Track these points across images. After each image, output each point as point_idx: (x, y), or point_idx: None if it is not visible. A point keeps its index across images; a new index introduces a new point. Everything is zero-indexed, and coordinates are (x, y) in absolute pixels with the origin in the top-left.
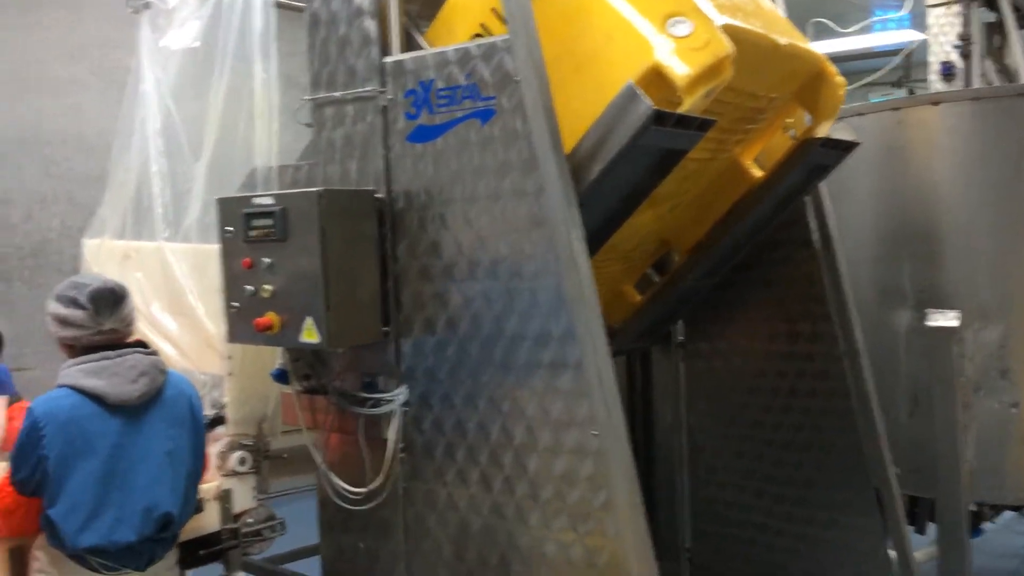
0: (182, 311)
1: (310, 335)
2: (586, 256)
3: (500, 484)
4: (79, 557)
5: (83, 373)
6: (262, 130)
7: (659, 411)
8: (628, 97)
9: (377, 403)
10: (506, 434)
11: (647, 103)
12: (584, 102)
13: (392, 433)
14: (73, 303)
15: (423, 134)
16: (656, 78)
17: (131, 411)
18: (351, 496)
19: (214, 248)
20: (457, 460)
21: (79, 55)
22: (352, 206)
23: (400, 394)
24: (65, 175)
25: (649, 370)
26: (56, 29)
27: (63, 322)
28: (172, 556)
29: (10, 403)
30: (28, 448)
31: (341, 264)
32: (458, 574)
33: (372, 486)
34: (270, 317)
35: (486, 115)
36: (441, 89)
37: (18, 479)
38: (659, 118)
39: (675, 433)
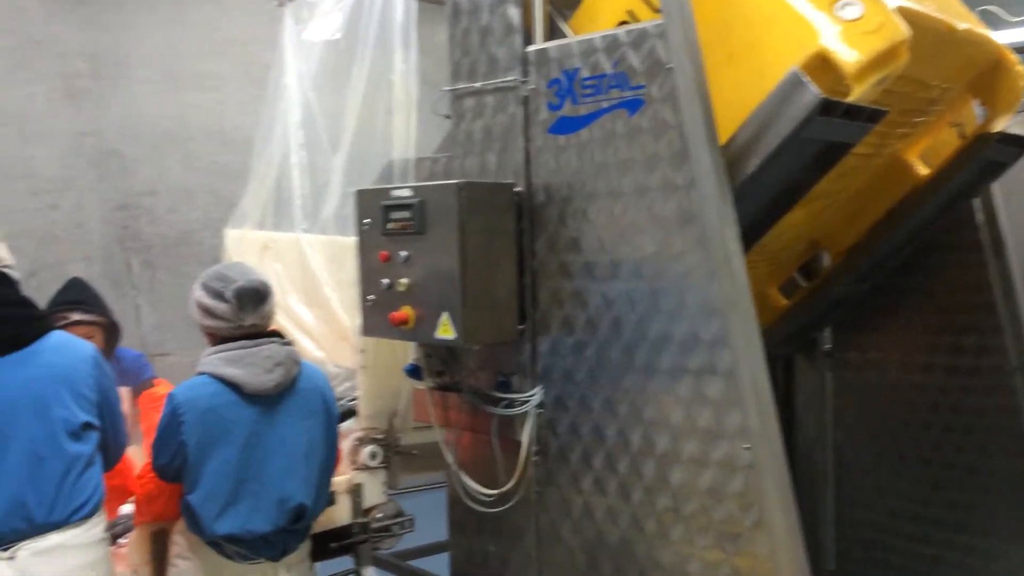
0: (318, 303)
1: (446, 331)
2: (741, 256)
3: (640, 495)
4: (216, 544)
5: (223, 361)
6: (400, 122)
7: (802, 423)
8: (792, 85)
9: (511, 403)
10: (648, 442)
11: (814, 91)
12: (738, 92)
13: (526, 435)
14: (218, 296)
15: (566, 125)
16: (821, 65)
17: (266, 401)
18: (482, 498)
19: (350, 240)
20: (594, 467)
21: (222, 51)
22: (491, 199)
23: (535, 395)
24: (207, 169)
25: (792, 379)
26: (202, 25)
27: (207, 311)
28: (305, 548)
29: (143, 388)
30: (169, 434)
31: (479, 259)
32: None
33: (504, 489)
34: (406, 311)
35: (634, 105)
36: (586, 78)
37: (159, 465)
38: (826, 107)
39: (819, 448)
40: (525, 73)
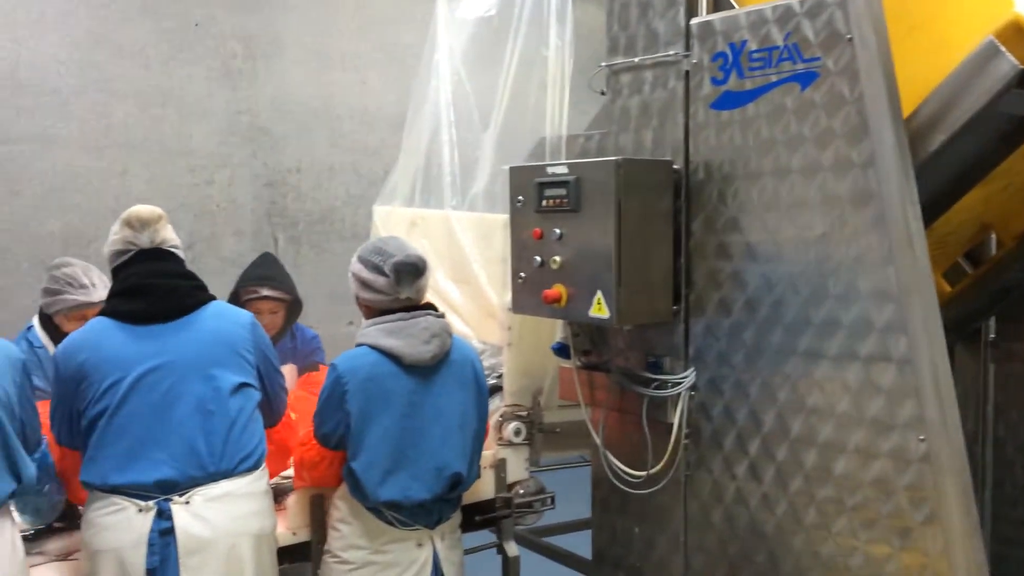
0: (465, 279)
1: (599, 310)
2: (923, 237)
3: (799, 483)
4: (376, 510)
5: (382, 333)
6: (553, 98)
7: (960, 417)
8: (986, 55)
9: (662, 385)
10: (809, 430)
11: (1012, 62)
12: (918, 66)
13: (677, 417)
14: (377, 270)
15: (730, 100)
16: (1016, 35)
17: (423, 372)
18: (630, 479)
19: (499, 218)
20: (749, 453)
21: (366, 31)
22: (649, 177)
23: (688, 377)
24: (350, 147)
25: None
26: (347, 6)
27: (364, 285)
28: (457, 517)
29: (309, 369)
30: (332, 403)
31: (635, 238)
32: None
33: (652, 470)
34: (558, 289)
35: (807, 78)
36: (755, 51)
37: (322, 433)
38: None
39: (978, 443)
40: (687, 47)
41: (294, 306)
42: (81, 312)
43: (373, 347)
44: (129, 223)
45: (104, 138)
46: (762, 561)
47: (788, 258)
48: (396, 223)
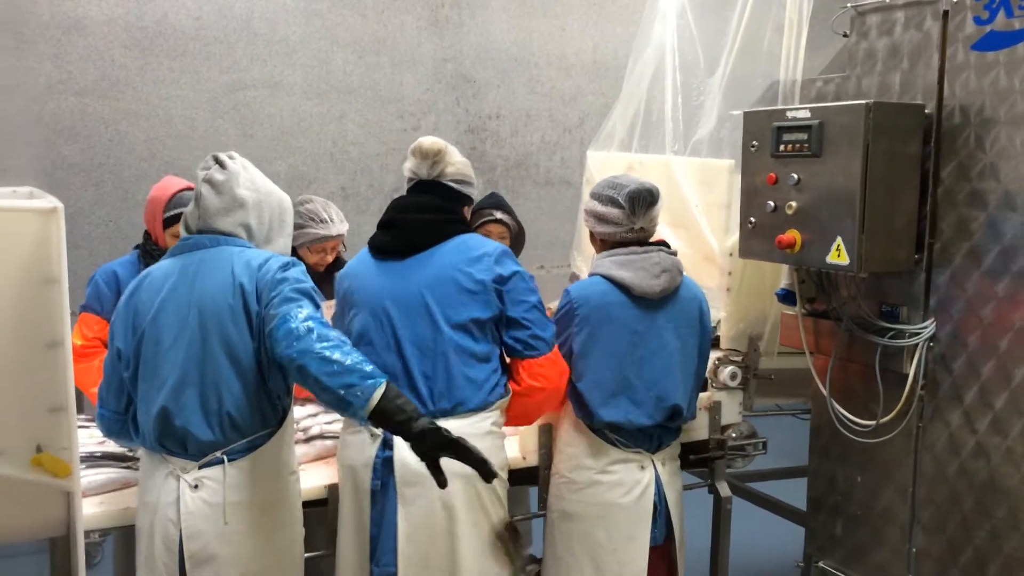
0: (683, 224)
1: (838, 256)
2: None
3: None
4: (599, 432)
5: (614, 264)
6: (789, 41)
7: None
8: None
9: (899, 334)
10: None
11: None
12: None
13: (912, 368)
14: (612, 202)
15: (995, 41)
16: None
17: (650, 304)
18: (857, 428)
19: (724, 163)
20: (994, 407)
21: None
22: (898, 121)
23: (928, 327)
24: (547, 94)
25: None
26: None
27: (600, 218)
28: (676, 447)
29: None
30: (563, 324)
31: (880, 184)
32: (977, 530)
33: (883, 420)
34: (792, 235)
35: None
36: None
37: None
38: None
39: None
40: None
41: (519, 235)
42: (321, 245)
43: (605, 277)
44: (414, 153)
45: (324, 84)
46: (1002, 517)
47: None
48: (612, 168)
